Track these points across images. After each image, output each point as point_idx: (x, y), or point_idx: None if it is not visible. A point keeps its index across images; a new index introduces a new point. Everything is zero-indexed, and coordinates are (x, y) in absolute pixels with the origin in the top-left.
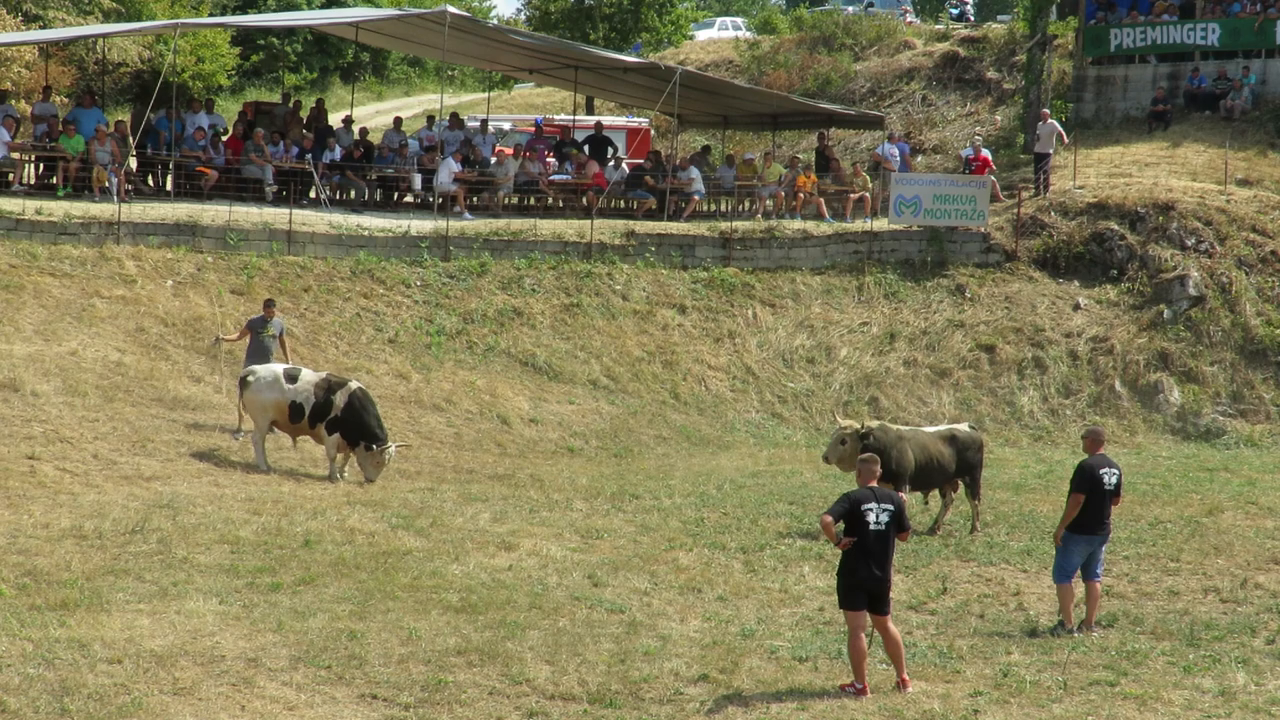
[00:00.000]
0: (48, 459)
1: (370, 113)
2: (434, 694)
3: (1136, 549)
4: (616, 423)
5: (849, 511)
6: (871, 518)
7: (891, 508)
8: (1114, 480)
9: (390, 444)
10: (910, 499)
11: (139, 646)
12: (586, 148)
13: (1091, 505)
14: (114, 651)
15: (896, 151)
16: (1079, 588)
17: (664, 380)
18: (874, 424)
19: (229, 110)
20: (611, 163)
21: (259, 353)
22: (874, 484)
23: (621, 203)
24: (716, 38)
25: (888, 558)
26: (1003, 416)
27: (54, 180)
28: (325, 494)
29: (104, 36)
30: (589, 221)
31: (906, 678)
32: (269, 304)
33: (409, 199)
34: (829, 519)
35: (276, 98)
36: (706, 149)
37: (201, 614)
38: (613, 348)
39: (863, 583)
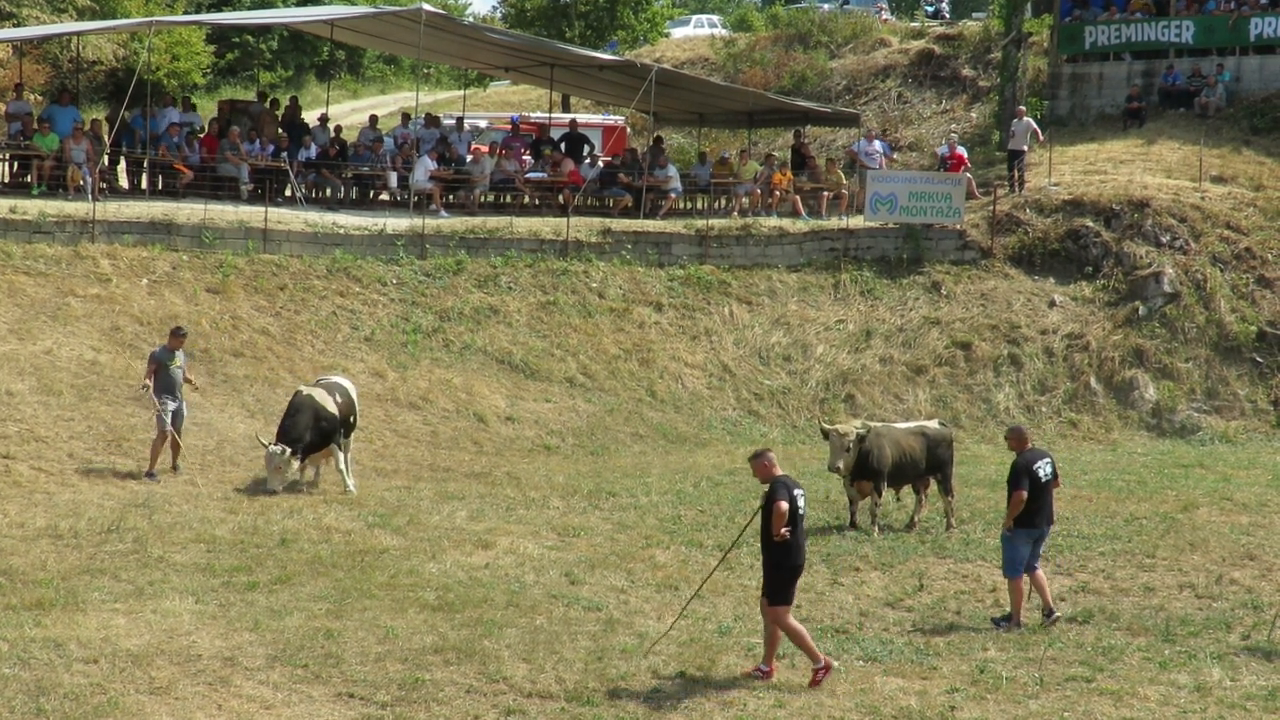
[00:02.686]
0: (23, 458)
1: (346, 111)
2: (411, 692)
3: (1112, 545)
4: (593, 421)
5: (790, 497)
6: (801, 504)
7: (803, 492)
8: (1048, 470)
9: (269, 446)
10: (884, 495)
11: (115, 646)
12: (562, 146)
13: (1031, 499)
14: (90, 651)
15: (877, 146)
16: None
17: (640, 378)
18: (857, 423)
19: (204, 108)
20: (587, 160)
21: (167, 386)
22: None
23: (598, 201)
24: (692, 35)
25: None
26: (979, 414)
27: (28, 179)
28: (301, 494)
29: (79, 34)
30: (565, 219)
31: (772, 669)
32: (180, 333)
33: (385, 197)
34: (784, 504)
35: (252, 96)
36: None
37: (178, 613)
38: (589, 346)
39: (796, 570)
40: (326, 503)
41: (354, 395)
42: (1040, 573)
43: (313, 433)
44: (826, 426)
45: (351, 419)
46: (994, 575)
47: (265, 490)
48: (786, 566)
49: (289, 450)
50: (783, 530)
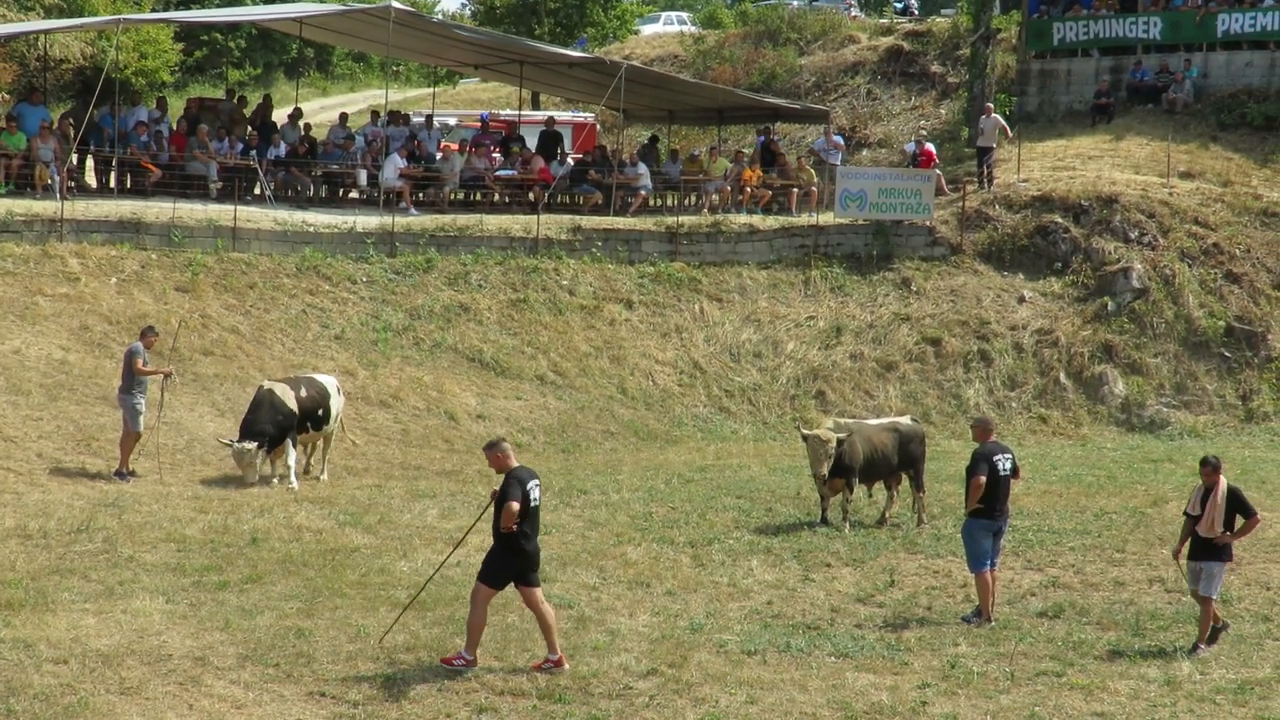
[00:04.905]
0: None
1: (315, 108)
2: (382, 691)
3: (1082, 540)
4: (564, 418)
5: (523, 493)
6: (535, 495)
7: (539, 482)
8: (1008, 465)
9: (235, 444)
10: (856, 492)
11: (85, 646)
12: (531, 143)
13: (988, 491)
14: (60, 651)
15: (840, 140)
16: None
17: (611, 375)
18: (829, 422)
19: (173, 106)
20: (556, 159)
21: (141, 385)
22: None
23: (568, 198)
24: (662, 32)
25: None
26: (949, 409)
27: None
28: (272, 492)
29: (46, 33)
30: (535, 217)
31: (561, 655)
32: (154, 332)
33: (354, 195)
34: (515, 504)
35: (221, 94)
36: (655, 139)
37: (148, 613)
38: (560, 343)
39: (530, 557)
40: (297, 501)
41: (330, 389)
42: (994, 573)
43: (273, 426)
44: (806, 432)
45: (320, 412)
46: (965, 570)
47: (243, 485)
48: (516, 553)
49: (253, 445)
50: (512, 525)
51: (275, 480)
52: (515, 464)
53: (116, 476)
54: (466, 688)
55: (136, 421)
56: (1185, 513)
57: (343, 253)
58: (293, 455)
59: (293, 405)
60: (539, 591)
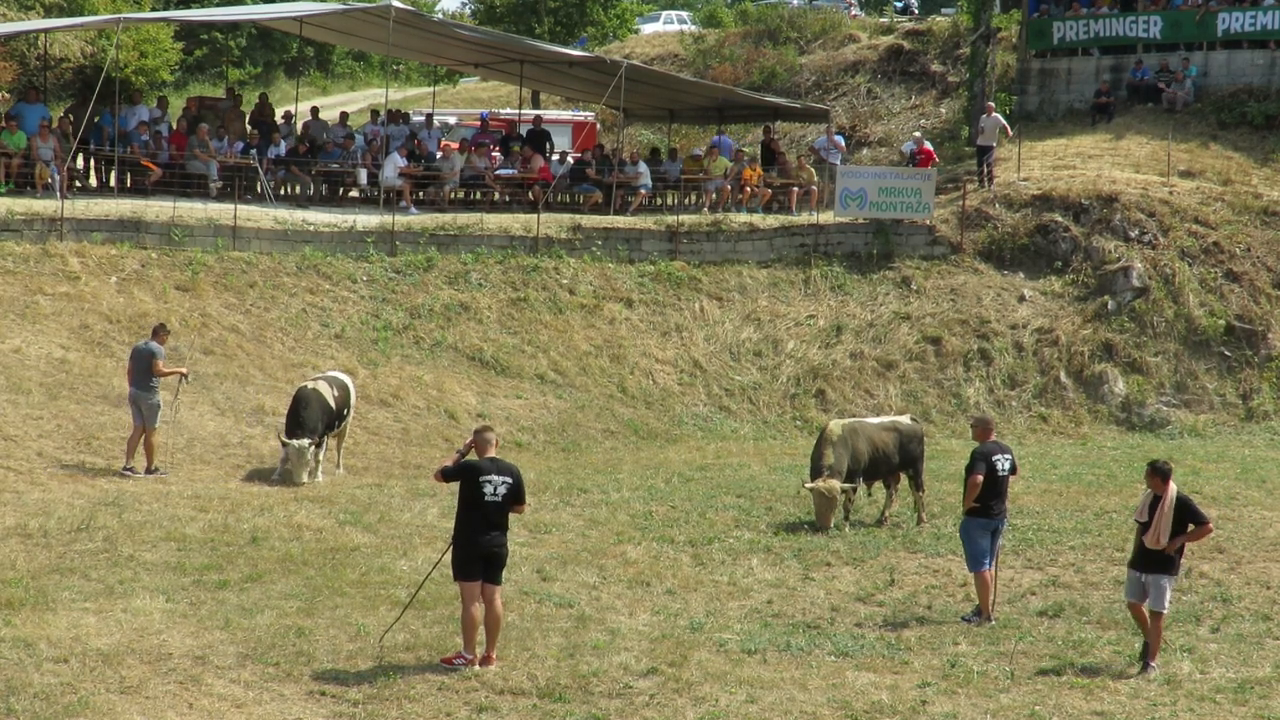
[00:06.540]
0: None
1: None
2: (382, 690)
3: (1082, 539)
4: (564, 417)
5: (465, 479)
6: (489, 489)
7: (510, 480)
8: (1007, 465)
9: (294, 441)
10: (858, 491)
11: (85, 645)
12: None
13: (986, 490)
14: (60, 650)
15: (841, 140)
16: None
17: (611, 374)
18: (835, 432)
19: (173, 105)
20: (556, 156)
21: (157, 381)
22: (493, 455)
23: (568, 197)
24: (662, 31)
25: (504, 528)
26: (949, 408)
27: None
28: (272, 490)
29: (46, 31)
30: (535, 216)
31: (494, 655)
32: (165, 330)
33: (355, 194)
34: (440, 478)
35: (221, 93)
36: (656, 151)
37: (148, 612)
38: (560, 342)
39: (461, 547)
40: (297, 500)
41: (351, 388)
42: (990, 572)
43: (323, 424)
44: (810, 485)
45: (345, 411)
46: (964, 569)
47: (292, 484)
48: (461, 543)
49: (311, 443)
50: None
51: (321, 474)
52: (489, 454)
53: (150, 474)
54: (466, 687)
55: (155, 418)
56: (1136, 520)
57: (343, 251)
58: (323, 450)
59: (332, 403)
60: (498, 591)
